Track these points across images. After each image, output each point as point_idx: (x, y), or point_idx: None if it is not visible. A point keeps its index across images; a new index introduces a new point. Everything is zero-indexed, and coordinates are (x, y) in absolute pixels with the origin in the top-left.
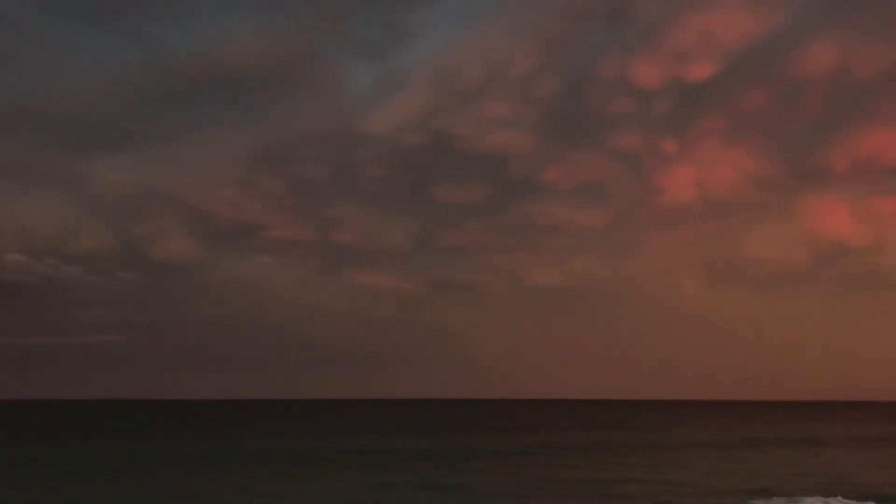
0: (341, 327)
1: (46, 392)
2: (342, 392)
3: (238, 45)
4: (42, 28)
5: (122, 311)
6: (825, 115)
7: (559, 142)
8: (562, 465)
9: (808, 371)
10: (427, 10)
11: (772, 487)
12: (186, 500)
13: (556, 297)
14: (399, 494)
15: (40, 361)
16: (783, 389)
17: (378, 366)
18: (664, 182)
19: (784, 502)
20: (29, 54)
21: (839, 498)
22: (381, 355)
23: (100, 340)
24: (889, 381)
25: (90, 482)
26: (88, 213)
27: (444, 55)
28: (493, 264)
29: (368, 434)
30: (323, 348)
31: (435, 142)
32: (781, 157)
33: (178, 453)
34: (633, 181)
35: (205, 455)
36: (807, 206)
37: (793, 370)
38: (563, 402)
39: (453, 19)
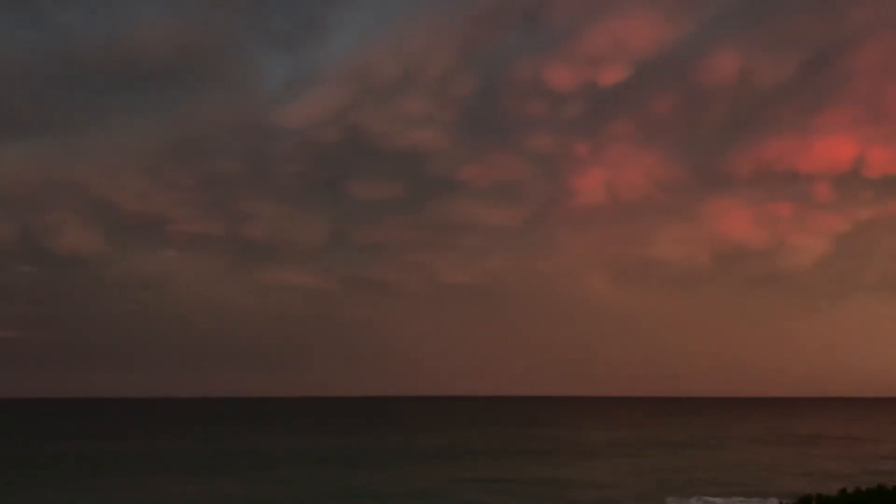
0: (252, 324)
1: None
2: (252, 390)
3: (149, 34)
4: None
5: (19, 306)
6: (729, 122)
7: (475, 141)
8: (468, 465)
9: (708, 368)
10: (344, 6)
11: (676, 487)
12: None
13: (470, 295)
14: (300, 497)
15: None
16: (686, 386)
17: (290, 364)
18: (576, 183)
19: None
20: None
21: (741, 498)
22: (293, 353)
23: None
24: (785, 377)
25: None
26: None
27: (361, 51)
28: (409, 262)
29: (275, 434)
30: (232, 346)
31: (351, 138)
32: (687, 162)
33: (77, 455)
34: (546, 182)
35: (105, 456)
36: (710, 209)
37: (694, 367)
38: (477, 398)
39: (371, 16)
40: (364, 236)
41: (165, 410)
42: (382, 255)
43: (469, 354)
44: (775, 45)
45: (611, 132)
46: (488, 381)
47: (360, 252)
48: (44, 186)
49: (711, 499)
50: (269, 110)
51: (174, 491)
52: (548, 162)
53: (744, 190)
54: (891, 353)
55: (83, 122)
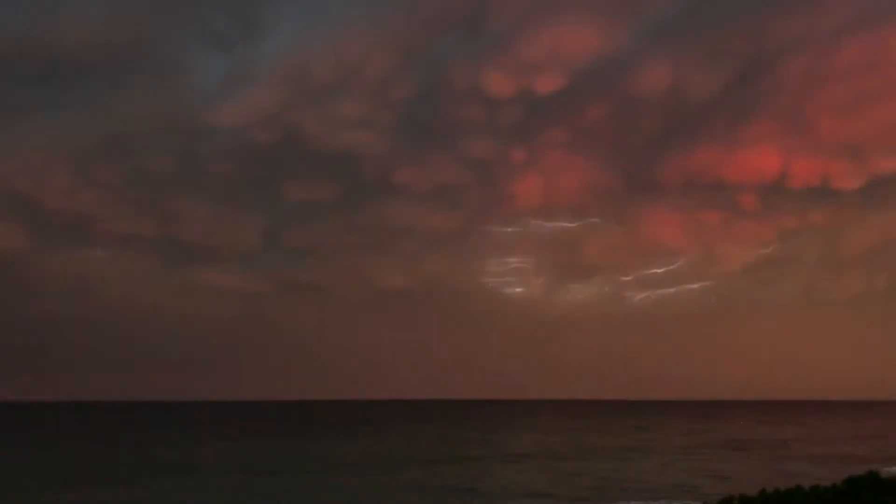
0: (182, 327)
1: None
2: (182, 394)
3: (76, 27)
4: None
5: None
6: (660, 132)
7: (413, 145)
8: (397, 472)
9: (638, 370)
10: (282, 6)
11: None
12: None
13: (406, 299)
14: None
15: None
16: (616, 388)
17: (221, 367)
18: (513, 189)
19: None
20: None
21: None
22: (224, 356)
23: None
24: (711, 381)
25: None
26: None
27: (298, 52)
28: (344, 265)
29: (201, 439)
30: (161, 349)
31: (286, 138)
32: (620, 170)
33: None
34: (483, 187)
35: (26, 465)
36: (641, 216)
37: (623, 369)
38: (415, 402)
39: (308, 16)
40: (299, 238)
41: (91, 415)
42: (317, 257)
43: (406, 358)
44: (704, 59)
45: (547, 139)
46: (426, 385)
47: (295, 254)
48: None
49: None
50: (202, 109)
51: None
52: (485, 167)
53: (674, 198)
54: (811, 357)
55: (4, 117)
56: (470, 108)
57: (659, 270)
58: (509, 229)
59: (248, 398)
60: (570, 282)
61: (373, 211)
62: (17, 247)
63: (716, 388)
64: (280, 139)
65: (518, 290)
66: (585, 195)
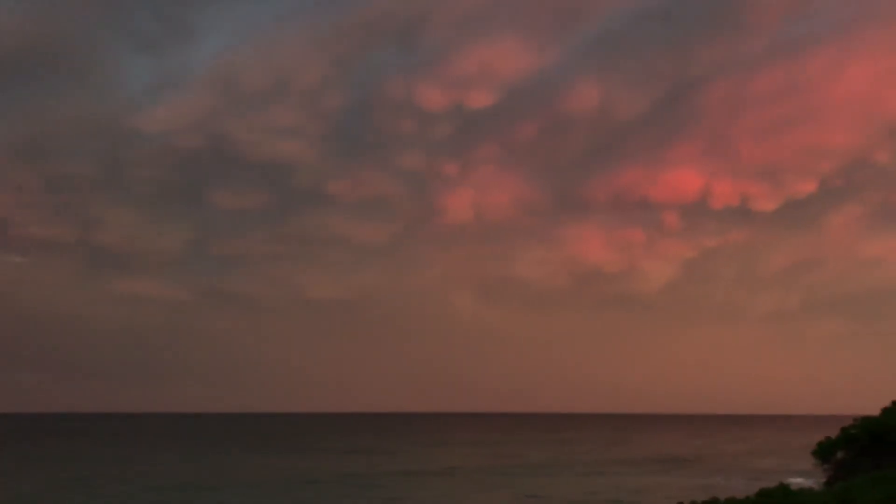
0: (102, 336)
1: None
2: (101, 405)
3: None
4: None
5: None
6: (588, 150)
7: (345, 156)
8: (317, 488)
9: (567, 383)
10: (215, 11)
11: None
12: None
13: (336, 310)
14: None
15: None
16: (546, 402)
17: (142, 379)
18: (445, 203)
19: None
20: None
21: None
22: (146, 367)
23: None
24: (633, 395)
25: None
26: None
27: (229, 58)
28: (272, 275)
29: (113, 452)
30: (81, 359)
31: (214, 145)
32: (549, 186)
33: None
34: (415, 199)
35: None
36: (569, 232)
37: (553, 384)
38: (342, 415)
39: (242, 23)
40: (226, 247)
41: (3, 426)
42: (245, 267)
43: (334, 371)
44: (632, 81)
45: (478, 154)
46: (353, 398)
47: (221, 264)
48: None
49: None
50: (128, 113)
51: None
52: (417, 180)
53: (600, 215)
54: (729, 372)
55: None
56: (403, 120)
57: (584, 286)
58: (439, 242)
59: (168, 410)
60: (497, 296)
61: (302, 221)
62: None
63: (639, 401)
64: (208, 146)
65: (448, 302)
66: (515, 210)
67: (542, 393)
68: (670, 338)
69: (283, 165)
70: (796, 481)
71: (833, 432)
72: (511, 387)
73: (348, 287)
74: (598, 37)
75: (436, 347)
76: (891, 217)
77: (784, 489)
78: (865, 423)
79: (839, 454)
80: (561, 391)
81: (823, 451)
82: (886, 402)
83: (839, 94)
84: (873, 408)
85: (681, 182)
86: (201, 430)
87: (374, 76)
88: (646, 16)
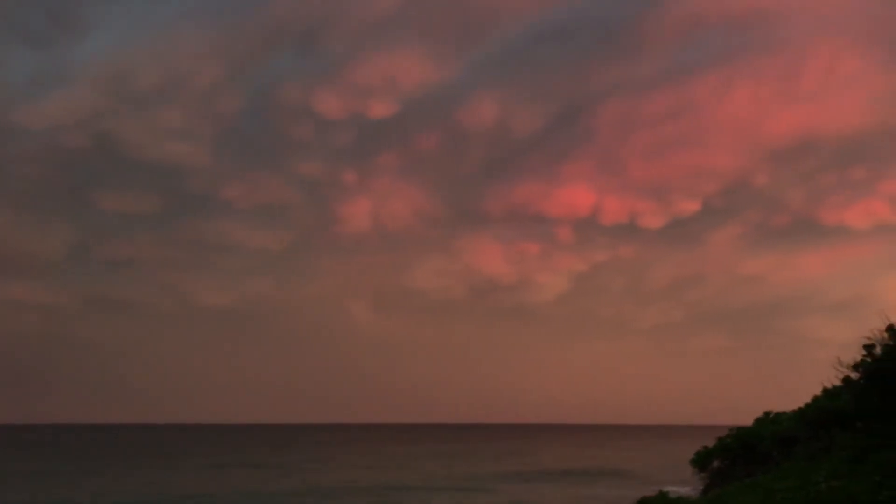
0: None
1: None
2: None
3: None
4: None
5: None
6: (486, 164)
7: (239, 160)
8: None
9: (462, 395)
10: (106, 6)
11: None
12: None
13: (228, 318)
14: None
15: None
16: (442, 412)
17: (19, 387)
18: (342, 211)
19: None
20: None
21: None
22: (23, 376)
23: None
24: (532, 404)
25: None
26: None
27: (120, 55)
28: (162, 281)
29: None
30: None
31: (100, 145)
32: (447, 198)
33: None
34: (312, 207)
35: None
36: (466, 244)
37: (450, 394)
38: (233, 426)
39: (134, 20)
40: (112, 252)
41: None
42: (132, 272)
43: (224, 380)
44: (530, 98)
45: (378, 163)
46: (245, 408)
47: (107, 268)
48: None
49: None
50: (8, 107)
51: None
52: (314, 187)
53: (496, 228)
54: (618, 383)
55: None
56: (301, 127)
57: (481, 297)
58: (336, 250)
59: (44, 421)
60: (395, 306)
61: (193, 226)
62: None
63: (533, 411)
64: (94, 145)
65: (344, 312)
66: (413, 221)
67: (438, 403)
68: (563, 349)
69: (175, 168)
70: (675, 489)
71: (711, 441)
72: (407, 397)
73: (241, 295)
74: (498, 53)
75: (331, 357)
76: (769, 237)
77: (663, 497)
78: (739, 433)
79: (715, 463)
80: (457, 401)
81: (700, 460)
82: (759, 413)
83: (723, 118)
84: (748, 418)
85: (574, 198)
86: (71, 443)
87: (272, 81)
88: (545, 35)
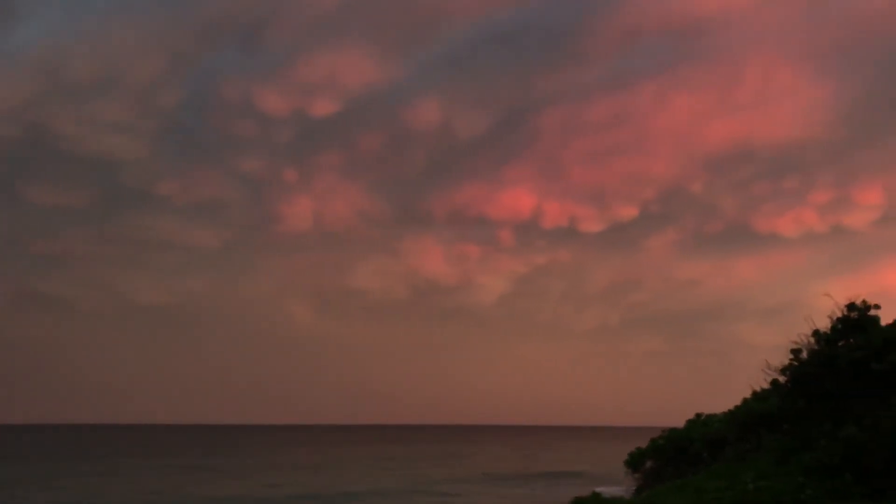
0: None
1: None
2: None
3: None
4: None
5: None
6: (429, 165)
7: (178, 156)
8: None
9: (404, 394)
10: None
11: None
12: None
13: (163, 317)
14: None
15: None
16: (383, 413)
17: None
18: (283, 209)
19: None
20: None
21: None
22: None
23: None
24: (474, 404)
25: None
26: None
27: (54, 45)
28: (94, 278)
29: None
30: None
31: (31, 136)
32: (390, 199)
33: None
34: (252, 205)
35: None
36: (408, 245)
37: (391, 395)
38: (167, 427)
39: (70, 9)
40: (41, 247)
41: None
42: (63, 268)
43: (159, 380)
44: (473, 101)
45: (320, 162)
46: (180, 409)
47: (36, 264)
48: None
49: None
50: None
51: None
52: (255, 185)
53: (439, 230)
54: (557, 384)
55: None
56: (242, 123)
57: (422, 298)
58: (276, 249)
59: None
60: (336, 306)
61: (129, 222)
62: None
63: (474, 412)
64: (25, 136)
65: (284, 311)
66: (355, 221)
67: (378, 404)
68: (503, 350)
69: (110, 162)
70: (608, 490)
71: (645, 443)
72: (348, 398)
73: (177, 293)
74: (443, 55)
75: (270, 357)
76: (704, 243)
77: (596, 497)
78: (671, 435)
79: (648, 463)
80: (399, 403)
81: (634, 461)
82: (693, 415)
83: (661, 126)
84: (681, 420)
85: (515, 201)
86: (9, 442)
87: (213, 76)
88: (490, 39)
